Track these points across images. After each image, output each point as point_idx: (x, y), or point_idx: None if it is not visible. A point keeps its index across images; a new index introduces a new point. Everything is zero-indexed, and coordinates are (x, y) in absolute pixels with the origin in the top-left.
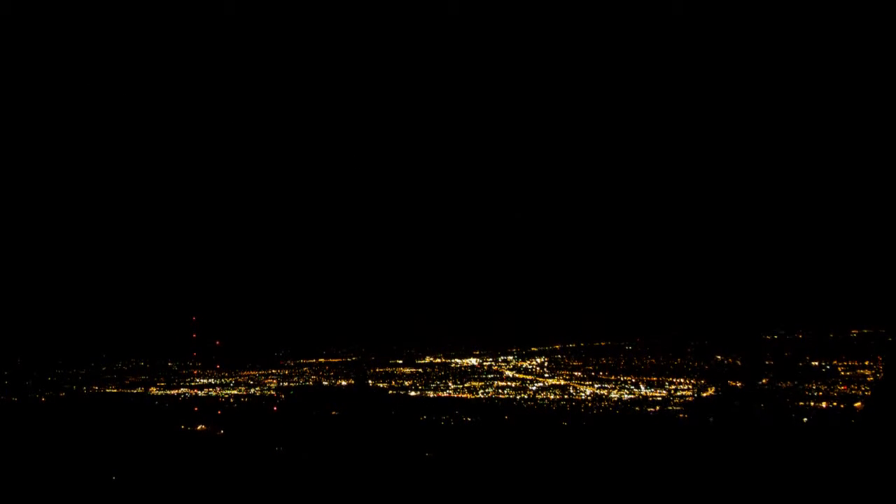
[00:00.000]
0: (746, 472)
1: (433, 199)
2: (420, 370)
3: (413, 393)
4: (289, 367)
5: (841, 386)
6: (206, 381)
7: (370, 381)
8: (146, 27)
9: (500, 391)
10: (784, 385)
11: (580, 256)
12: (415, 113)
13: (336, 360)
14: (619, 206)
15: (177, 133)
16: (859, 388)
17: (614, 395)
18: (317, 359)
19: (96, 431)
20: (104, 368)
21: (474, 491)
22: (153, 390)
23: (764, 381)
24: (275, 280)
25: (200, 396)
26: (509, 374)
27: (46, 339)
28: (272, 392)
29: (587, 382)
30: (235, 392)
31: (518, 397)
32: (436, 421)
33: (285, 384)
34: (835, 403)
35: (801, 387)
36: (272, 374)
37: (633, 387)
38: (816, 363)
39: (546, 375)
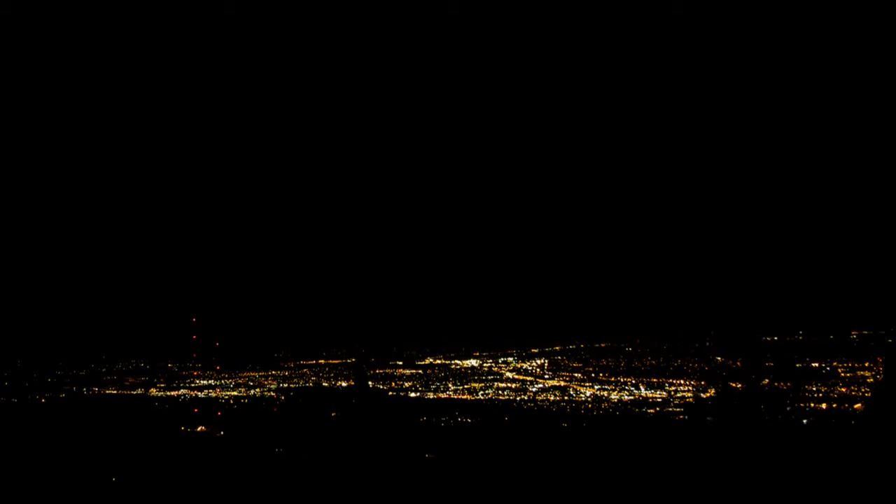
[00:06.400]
0: (746, 473)
1: (433, 200)
2: (420, 371)
3: (413, 394)
4: (288, 369)
5: (841, 387)
6: (205, 382)
7: (370, 383)
8: (146, 27)
9: (500, 392)
10: (784, 386)
11: (580, 257)
12: (415, 113)
13: (336, 362)
14: (619, 206)
15: (177, 133)
16: (859, 390)
17: (614, 396)
18: (316, 360)
19: (97, 433)
20: (104, 369)
21: (474, 491)
22: (153, 391)
23: (764, 382)
24: (274, 281)
25: (200, 398)
26: (509, 375)
27: (46, 339)
28: (272, 393)
29: (587, 384)
30: (235, 393)
31: (518, 398)
32: (436, 422)
33: (285, 385)
34: (835, 405)
35: (800, 388)
36: (272, 375)
37: (633, 388)
38: (816, 364)
39: (546, 377)
